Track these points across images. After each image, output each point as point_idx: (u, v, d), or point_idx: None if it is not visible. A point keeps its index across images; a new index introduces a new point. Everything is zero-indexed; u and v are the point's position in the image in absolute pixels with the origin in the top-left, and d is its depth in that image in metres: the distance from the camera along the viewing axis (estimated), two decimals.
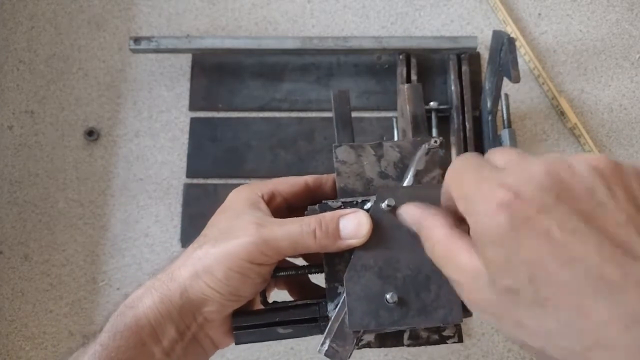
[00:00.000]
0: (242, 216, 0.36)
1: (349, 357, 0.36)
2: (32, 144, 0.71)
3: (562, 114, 0.70)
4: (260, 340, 0.39)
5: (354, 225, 0.35)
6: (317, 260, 0.39)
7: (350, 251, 0.35)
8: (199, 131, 0.71)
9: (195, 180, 0.69)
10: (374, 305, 0.34)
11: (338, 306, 0.36)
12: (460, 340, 0.38)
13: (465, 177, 0.27)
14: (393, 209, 0.35)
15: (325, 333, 0.36)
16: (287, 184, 0.40)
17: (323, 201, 0.37)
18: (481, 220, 0.25)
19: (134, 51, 0.69)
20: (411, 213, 0.33)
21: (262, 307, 0.39)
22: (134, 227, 0.68)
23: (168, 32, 0.74)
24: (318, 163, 0.69)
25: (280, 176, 0.68)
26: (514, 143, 0.64)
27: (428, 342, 0.38)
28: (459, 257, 0.27)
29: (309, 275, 0.43)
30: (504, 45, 0.58)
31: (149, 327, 0.35)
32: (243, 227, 0.35)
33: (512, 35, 0.72)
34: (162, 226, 0.68)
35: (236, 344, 0.39)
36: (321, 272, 0.38)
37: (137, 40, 0.68)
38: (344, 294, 0.35)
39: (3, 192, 0.69)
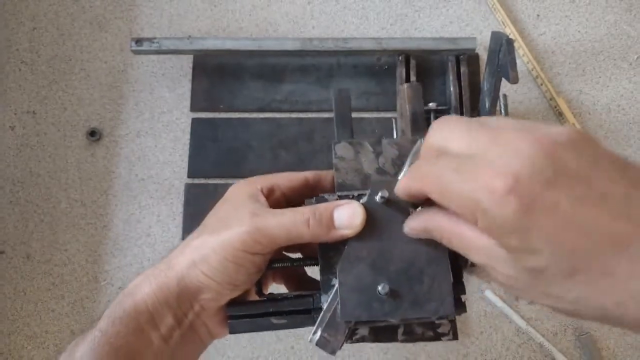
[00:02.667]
0: (240, 208, 0.37)
1: (340, 347, 0.36)
2: (34, 144, 0.71)
3: (560, 114, 0.70)
4: (254, 330, 0.39)
5: (348, 215, 0.35)
6: (314, 254, 0.40)
7: (345, 243, 0.36)
8: (200, 131, 0.71)
9: (196, 180, 0.70)
10: (366, 297, 0.34)
11: (331, 297, 0.36)
12: (455, 337, 0.38)
13: (448, 181, 0.27)
14: (387, 201, 0.35)
15: (317, 323, 0.36)
16: (286, 179, 0.41)
17: (320, 195, 0.38)
18: (489, 214, 0.25)
19: (136, 52, 0.70)
20: (414, 225, 0.33)
21: (257, 298, 0.40)
22: (136, 227, 0.68)
23: (169, 33, 0.75)
24: (318, 163, 0.70)
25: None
26: None
27: (422, 339, 0.38)
28: (474, 240, 0.28)
29: (306, 269, 0.43)
30: (502, 47, 0.58)
31: (147, 314, 0.36)
32: (239, 217, 0.36)
33: (511, 36, 0.72)
34: (163, 226, 0.68)
35: (230, 332, 0.39)
36: (316, 264, 0.38)
37: (138, 41, 0.69)
38: (337, 285, 0.35)
39: (5, 192, 0.69)
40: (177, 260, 0.37)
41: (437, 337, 0.38)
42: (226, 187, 0.68)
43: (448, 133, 0.29)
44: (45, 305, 0.66)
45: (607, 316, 0.25)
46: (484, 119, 0.28)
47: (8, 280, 0.67)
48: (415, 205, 0.35)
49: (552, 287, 0.26)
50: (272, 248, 0.36)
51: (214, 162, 0.70)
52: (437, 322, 0.37)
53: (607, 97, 0.72)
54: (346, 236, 0.35)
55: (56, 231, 0.68)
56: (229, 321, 0.38)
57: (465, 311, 0.36)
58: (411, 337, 0.38)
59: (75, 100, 0.72)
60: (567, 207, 0.24)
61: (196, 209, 0.68)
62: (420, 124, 0.42)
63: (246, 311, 0.38)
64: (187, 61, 0.74)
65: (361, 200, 0.36)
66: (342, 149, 0.40)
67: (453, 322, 0.37)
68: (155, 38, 0.69)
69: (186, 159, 0.70)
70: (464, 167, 0.26)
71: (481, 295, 0.65)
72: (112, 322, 0.35)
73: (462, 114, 0.68)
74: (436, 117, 0.68)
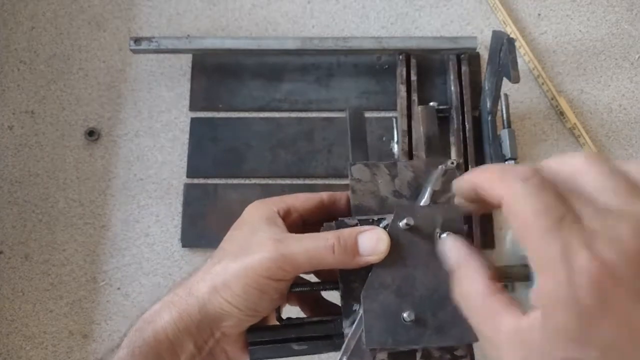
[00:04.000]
0: (260, 232, 0.37)
1: None
2: (32, 144, 0.71)
3: (561, 114, 0.70)
4: (275, 357, 0.38)
5: (372, 241, 0.35)
6: (329, 278, 0.39)
7: (367, 268, 0.35)
8: (199, 131, 0.71)
9: (195, 180, 0.69)
10: (391, 324, 0.34)
11: (355, 323, 0.35)
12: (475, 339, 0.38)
13: (540, 226, 0.24)
14: (411, 228, 0.35)
15: (342, 350, 0.35)
16: (302, 200, 0.40)
17: (339, 218, 0.37)
18: (562, 286, 0.23)
19: (135, 51, 0.69)
20: (454, 251, 0.32)
21: (276, 323, 0.39)
22: (134, 227, 0.68)
23: (168, 32, 0.75)
24: (318, 163, 0.69)
25: (280, 176, 0.70)
26: (513, 143, 0.65)
27: None
28: (499, 316, 0.26)
29: (322, 292, 0.43)
30: (503, 46, 0.58)
31: (167, 343, 0.35)
32: (261, 242, 0.35)
33: (512, 35, 0.72)
34: (162, 226, 0.68)
35: (251, 359, 0.39)
36: (336, 289, 0.38)
37: (137, 40, 0.68)
38: (361, 312, 0.35)
39: (3, 192, 0.69)
40: (198, 287, 0.36)
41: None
42: (225, 187, 0.68)
43: (591, 173, 0.25)
44: (43, 306, 0.66)
45: None
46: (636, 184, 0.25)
47: (6, 280, 0.66)
48: (440, 234, 0.34)
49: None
50: (296, 274, 0.36)
51: (213, 161, 0.70)
52: (455, 345, 0.36)
53: (609, 96, 0.71)
54: (371, 262, 0.35)
55: (54, 231, 0.68)
56: (249, 348, 0.38)
57: None
58: None
59: (74, 100, 0.72)
60: (637, 324, 0.23)
61: (195, 209, 0.68)
62: (435, 146, 0.42)
63: (267, 337, 0.38)
64: (186, 60, 0.73)
65: (382, 225, 0.36)
66: (358, 171, 0.39)
67: (470, 346, 0.37)
68: (154, 37, 0.69)
69: (185, 159, 0.70)
70: (566, 229, 0.24)
71: None
72: (132, 352, 0.35)
73: (463, 113, 0.68)
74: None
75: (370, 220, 0.37)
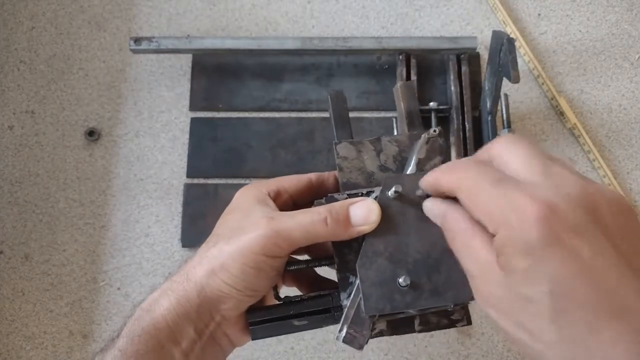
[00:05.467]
0: (252, 213, 0.37)
1: (366, 342, 0.36)
2: (32, 144, 0.71)
3: (561, 114, 0.70)
4: (276, 334, 0.39)
5: (363, 212, 0.36)
6: (321, 254, 0.40)
7: (359, 241, 0.36)
8: (199, 131, 0.71)
9: (195, 180, 0.69)
10: (388, 290, 0.35)
11: (352, 294, 0.36)
12: (469, 322, 0.39)
13: (483, 189, 0.28)
14: (400, 196, 0.36)
15: (342, 320, 0.36)
16: (291, 181, 0.41)
17: (329, 194, 0.38)
18: (513, 231, 0.26)
19: (135, 51, 0.69)
20: (437, 206, 0.33)
21: (274, 303, 0.40)
22: (135, 227, 0.68)
23: (168, 32, 0.75)
24: (318, 163, 0.69)
25: (280, 176, 0.69)
26: None
27: (438, 327, 0.39)
28: (477, 250, 0.29)
29: (316, 270, 0.43)
30: (503, 46, 0.58)
31: (167, 329, 0.35)
32: (255, 222, 0.36)
33: (512, 35, 0.72)
34: (162, 226, 0.68)
35: (253, 339, 0.39)
36: (331, 264, 0.39)
37: (137, 40, 0.68)
38: (358, 281, 0.35)
39: (4, 192, 0.69)
40: (195, 272, 0.36)
41: (452, 324, 0.39)
42: (225, 187, 0.68)
43: (513, 151, 0.29)
44: (43, 306, 0.66)
45: None
46: (552, 156, 0.29)
47: (6, 280, 0.66)
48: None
49: (532, 321, 0.26)
50: (291, 250, 0.36)
51: (213, 161, 0.70)
52: (450, 309, 0.38)
53: (609, 96, 0.71)
54: (363, 232, 0.36)
55: (55, 231, 0.68)
56: (250, 327, 0.39)
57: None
58: (427, 326, 0.39)
59: (74, 100, 0.72)
60: (586, 258, 0.24)
61: (195, 209, 0.68)
62: (416, 120, 0.43)
63: (267, 316, 0.39)
64: (186, 60, 0.73)
65: (372, 196, 0.37)
66: (344, 149, 0.40)
67: (466, 309, 0.39)
68: (154, 37, 0.69)
69: (185, 159, 0.70)
70: (507, 183, 0.27)
71: None
72: (131, 341, 0.35)
73: (463, 113, 0.68)
74: (437, 117, 0.68)
75: (360, 194, 0.38)
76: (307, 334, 0.64)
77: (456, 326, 0.39)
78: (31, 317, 0.65)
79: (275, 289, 0.40)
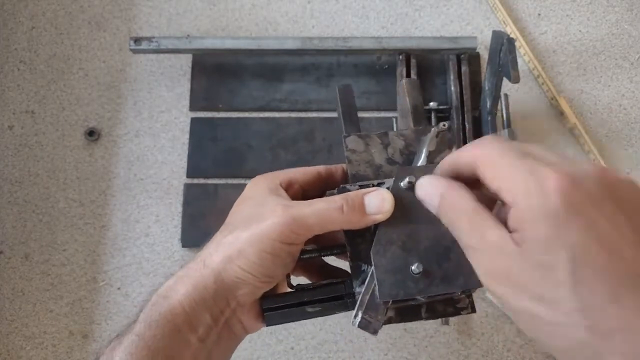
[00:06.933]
0: (267, 201, 0.38)
1: (381, 327, 0.37)
2: (32, 144, 0.71)
3: (561, 114, 0.70)
4: (290, 320, 0.40)
5: (378, 201, 0.37)
6: (328, 244, 0.42)
7: (371, 231, 0.38)
8: (199, 131, 0.71)
9: (195, 180, 0.69)
10: (401, 276, 0.36)
11: (366, 280, 0.37)
12: (474, 311, 0.40)
13: (507, 160, 0.28)
14: (412, 187, 0.37)
15: (357, 306, 0.37)
16: (302, 173, 0.42)
17: (341, 185, 0.39)
18: (532, 198, 0.26)
19: (135, 51, 0.69)
20: (434, 183, 0.34)
21: (286, 291, 0.41)
22: (135, 227, 0.68)
23: (168, 32, 0.75)
24: (318, 163, 0.69)
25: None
26: None
27: (444, 314, 0.40)
28: (486, 228, 0.29)
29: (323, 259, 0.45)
30: (503, 46, 0.58)
31: (184, 315, 0.36)
32: (271, 209, 0.37)
33: (512, 35, 0.72)
34: (162, 226, 0.68)
35: (267, 325, 0.40)
36: (342, 253, 0.40)
37: (137, 40, 0.68)
38: (372, 268, 0.37)
39: (3, 192, 0.69)
40: (212, 259, 0.37)
41: (457, 312, 0.40)
42: (226, 187, 0.68)
43: (536, 146, 0.30)
44: (43, 306, 0.66)
45: (575, 356, 0.26)
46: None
47: (6, 280, 0.66)
48: None
49: (552, 291, 0.26)
50: (307, 237, 0.37)
51: (213, 161, 0.70)
52: (457, 297, 0.39)
53: (609, 96, 0.71)
54: (377, 221, 0.37)
55: (54, 231, 0.68)
56: (265, 314, 0.40)
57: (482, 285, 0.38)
58: (434, 314, 0.40)
59: (74, 100, 0.72)
60: (603, 230, 0.25)
61: (195, 209, 0.68)
62: (421, 115, 0.44)
63: (281, 302, 0.40)
64: (186, 60, 0.73)
65: (384, 187, 0.38)
66: (352, 142, 0.42)
67: (470, 297, 0.40)
68: (154, 37, 0.69)
69: (185, 159, 0.70)
70: (530, 159, 0.28)
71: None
72: (149, 325, 0.36)
73: (463, 113, 0.68)
74: (437, 117, 0.68)
75: (371, 185, 0.39)
76: (308, 334, 0.64)
77: (461, 314, 0.40)
78: (31, 317, 0.65)
79: (289, 277, 0.41)
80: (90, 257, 0.67)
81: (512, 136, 0.64)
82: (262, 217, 0.37)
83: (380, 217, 0.36)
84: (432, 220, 0.35)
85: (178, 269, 0.38)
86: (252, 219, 0.37)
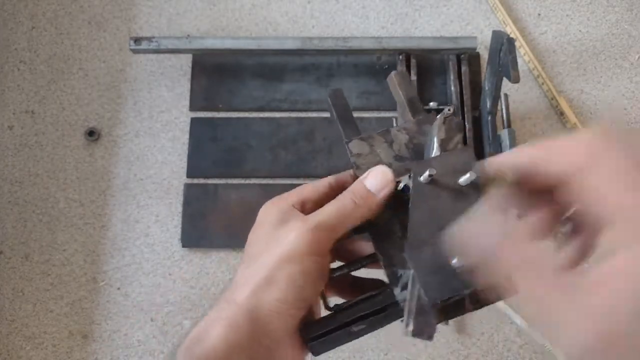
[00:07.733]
0: (283, 222, 0.37)
1: (435, 331, 0.36)
2: (32, 144, 0.71)
3: (561, 114, 0.70)
4: (337, 345, 0.37)
5: (377, 178, 0.37)
6: (353, 258, 0.40)
7: (397, 233, 0.37)
8: (199, 131, 0.71)
9: (195, 180, 0.69)
10: (444, 274, 0.34)
11: (408, 286, 0.36)
12: (517, 292, 0.39)
13: (625, 172, 0.27)
14: (432, 180, 0.36)
15: (406, 315, 0.35)
16: (312, 190, 0.40)
17: None
18: (572, 340, 0.25)
19: (135, 51, 0.69)
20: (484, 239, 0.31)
21: (322, 316, 0.39)
22: (134, 227, 0.68)
23: (168, 32, 0.75)
24: (318, 163, 0.69)
25: (280, 176, 0.70)
26: (513, 143, 0.64)
27: (488, 302, 0.38)
28: (572, 294, 0.26)
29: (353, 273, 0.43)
30: (503, 46, 0.58)
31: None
32: (289, 228, 0.36)
33: (512, 35, 0.72)
34: (162, 226, 0.68)
35: (315, 355, 0.37)
36: (373, 262, 0.39)
37: (137, 40, 0.68)
38: (412, 272, 0.35)
39: (4, 192, 0.69)
40: (240, 292, 0.35)
41: (500, 297, 0.37)
42: (225, 186, 0.68)
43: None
44: (43, 306, 0.66)
45: None
46: None
47: (6, 280, 0.66)
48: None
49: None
50: (332, 242, 0.36)
51: (213, 161, 0.70)
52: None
53: (609, 96, 0.71)
54: (387, 195, 0.37)
55: (54, 231, 0.68)
56: (310, 344, 0.37)
57: None
58: (478, 304, 0.38)
59: (74, 100, 0.72)
60: None
61: (195, 208, 0.68)
62: (418, 105, 0.42)
63: (324, 328, 0.37)
64: (186, 60, 0.73)
65: (400, 187, 0.37)
66: (356, 146, 0.40)
67: (510, 280, 0.38)
68: (154, 37, 0.69)
69: (185, 159, 0.70)
70: (566, 276, 0.26)
71: None
72: None
73: (463, 113, 0.68)
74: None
75: None
76: None
77: (505, 297, 0.37)
78: (31, 317, 0.65)
79: (324, 297, 0.39)
80: (90, 257, 0.67)
81: (512, 136, 0.64)
82: (283, 237, 0.35)
83: (387, 190, 0.37)
84: (460, 209, 0.34)
85: (207, 309, 0.36)
86: (272, 243, 0.36)
